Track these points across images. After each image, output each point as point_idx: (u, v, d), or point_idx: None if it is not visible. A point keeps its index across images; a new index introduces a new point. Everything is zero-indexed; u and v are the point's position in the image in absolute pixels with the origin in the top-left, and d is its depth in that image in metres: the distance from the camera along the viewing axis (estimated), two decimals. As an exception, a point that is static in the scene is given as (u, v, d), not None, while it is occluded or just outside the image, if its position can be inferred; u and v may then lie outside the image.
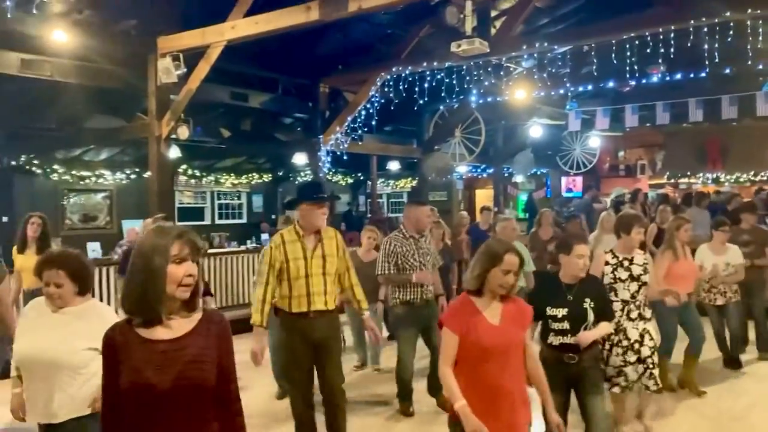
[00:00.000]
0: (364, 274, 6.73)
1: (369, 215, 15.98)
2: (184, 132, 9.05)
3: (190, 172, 15.20)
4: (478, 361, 2.99)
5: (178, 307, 2.11)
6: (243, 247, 12.01)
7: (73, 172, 13.37)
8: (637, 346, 4.53)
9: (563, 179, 19.29)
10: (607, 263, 4.63)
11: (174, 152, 10.05)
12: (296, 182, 17.16)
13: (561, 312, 3.84)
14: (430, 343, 5.55)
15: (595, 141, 17.00)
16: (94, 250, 12.40)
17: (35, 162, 12.70)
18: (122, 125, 10.98)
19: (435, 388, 5.63)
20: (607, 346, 4.53)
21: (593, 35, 8.88)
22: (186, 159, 13.73)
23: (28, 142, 12.11)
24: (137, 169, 13.84)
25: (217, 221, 16.68)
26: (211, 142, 13.14)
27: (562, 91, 11.75)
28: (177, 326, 2.11)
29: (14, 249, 6.55)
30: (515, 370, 3.07)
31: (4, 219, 12.30)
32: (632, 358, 4.51)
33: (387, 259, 5.53)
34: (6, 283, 4.63)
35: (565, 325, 3.83)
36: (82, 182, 13.63)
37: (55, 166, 13.02)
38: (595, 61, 9.57)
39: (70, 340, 3.01)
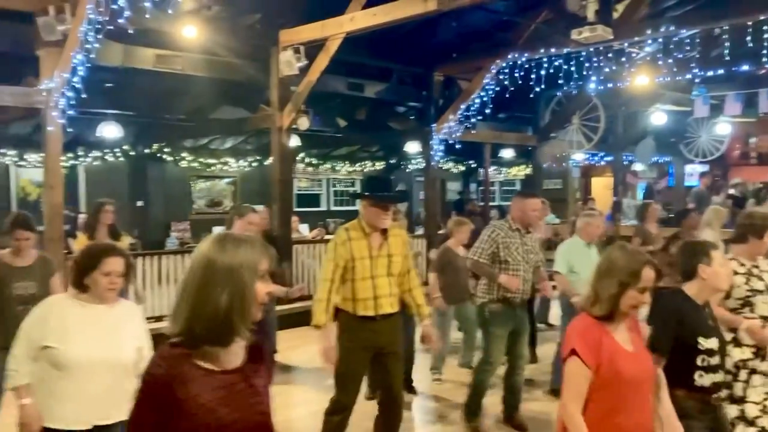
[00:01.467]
0: (457, 268, 6.52)
1: (480, 204, 15.85)
2: (304, 123, 9.35)
3: (307, 160, 15.71)
4: (614, 395, 2.55)
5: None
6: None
7: (200, 160, 14.17)
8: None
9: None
10: (735, 272, 3.83)
11: (294, 141, 10.42)
12: (405, 170, 17.35)
13: (713, 343, 3.11)
14: (517, 350, 5.18)
15: (724, 127, 15.97)
16: (219, 234, 13.12)
17: (166, 150, 13.55)
18: (246, 116, 11.50)
19: (513, 406, 5.27)
20: (743, 376, 3.76)
21: (726, 17, 8.32)
22: (304, 147, 14.20)
23: (159, 131, 12.95)
24: (259, 157, 14.47)
25: (333, 207, 17.15)
26: (327, 131, 13.51)
27: (688, 76, 11.12)
28: (235, 353, 1.85)
29: (80, 235, 6.55)
30: (650, 403, 2.69)
31: (139, 203, 13.25)
32: None
33: (484, 246, 5.09)
34: (57, 278, 4.53)
35: (717, 359, 3.11)
36: (208, 169, 14.42)
37: (184, 154, 13.85)
38: (727, 43, 9.00)
39: (125, 338, 2.96)
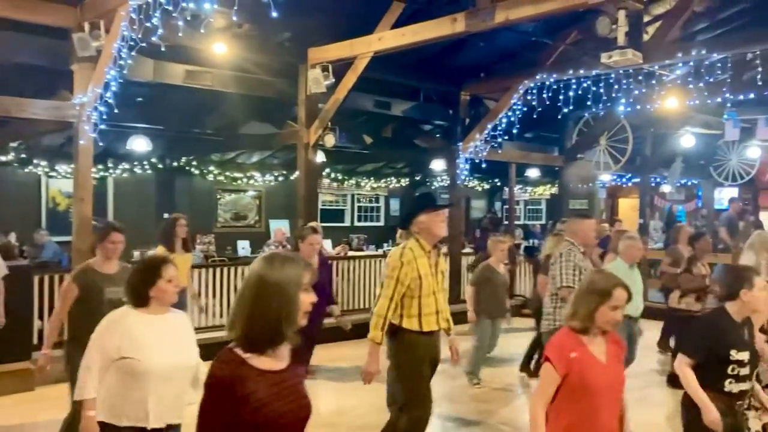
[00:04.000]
0: (496, 284, 6.84)
1: (506, 222, 15.78)
2: (330, 140, 9.41)
3: (333, 175, 15.77)
4: (583, 401, 2.85)
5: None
6: (380, 251, 12.29)
7: (227, 173, 14.30)
8: None
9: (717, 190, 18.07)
10: None
11: (320, 157, 10.47)
12: (431, 187, 17.32)
13: (745, 356, 3.50)
14: None
15: (754, 151, 15.75)
16: (243, 248, 13.22)
17: (193, 164, 13.70)
18: (274, 132, 11.60)
19: None
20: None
21: (758, 41, 8.23)
22: (330, 163, 14.27)
23: (188, 145, 13.10)
24: (285, 172, 14.57)
25: (356, 223, 17.16)
26: (353, 147, 13.56)
27: (719, 99, 10.99)
28: (282, 355, 2.16)
29: (160, 248, 6.81)
30: (616, 409, 2.98)
31: (166, 215, 13.38)
32: None
33: (573, 272, 5.09)
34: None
35: (747, 370, 3.52)
36: (234, 183, 14.55)
37: (211, 168, 14.00)
38: (759, 68, 8.89)
39: (189, 344, 3.25)
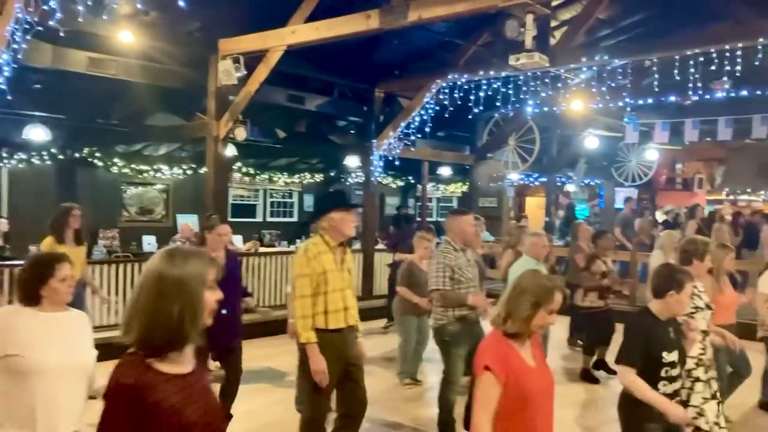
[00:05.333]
0: (420, 282, 6.84)
1: (418, 219, 15.97)
2: (241, 133, 9.22)
3: (244, 169, 15.47)
4: (520, 409, 2.70)
5: None
6: (293, 247, 12.18)
7: (132, 166, 13.75)
8: (712, 381, 4.32)
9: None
10: None
11: (230, 151, 10.27)
12: (345, 183, 17.30)
13: (675, 356, 3.47)
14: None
15: (652, 153, 16.63)
16: (149, 243, 12.78)
17: (97, 155, 13.11)
18: (182, 124, 11.27)
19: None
20: (688, 384, 4.10)
21: (656, 50, 8.67)
22: (241, 157, 13.98)
23: (91, 136, 12.52)
24: (194, 165, 14.15)
25: (269, 219, 16.92)
26: (266, 141, 13.36)
27: (620, 103, 11.53)
28: (187, 357, 2.02)
29: (48, 239, 6.40)
30: (551, 414, 2.84)
31: (65, 208, 12.75)
32: (707, 393, 4.25)
33: (443, 273, 5.18)
34: None
35: (678, 369, 3.48)
36: (140, 176, 14.00)
37: (116, 160, 13.42)
38: (656, 75, 9.36)
39: (85, 344, 3.02)
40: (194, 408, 1.95)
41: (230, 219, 12.75)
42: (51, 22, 6.18)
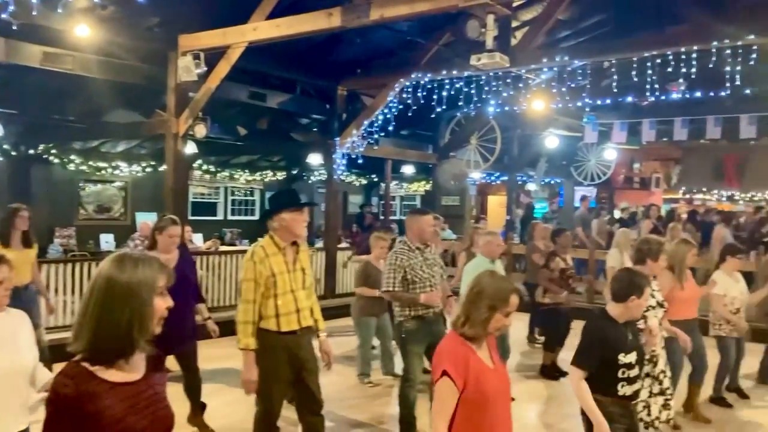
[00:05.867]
0: (376, 281, 6.84)
1: (382, 217, 15.99)
2: (201, 130, 9.11)
3: (205, 167, 15.29)
4: (480, 411, 2.69)
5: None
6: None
7: (90, 163, 13.50)
8: (661, 376, 4.42)
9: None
10: None
11: (190, 148, 10.11)
12: (308, 181, 17.21)
13: (633, 357, 3.51)
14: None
15: (610, 153, 16.93)
16: (107, 241, 12.55)
17: (53, 151, 12.82)
18: (141, 120, 11.07)
19: None
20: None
21: (614, 51, 8.82)
22: (202, 154, 13.82)
23: (46, 132, 12.24)
24: (153, 162, 13.95)
25: (230, 217, 16.76)
26: (227, 138, 13.22)
27: (579, 104, 11.70)
28: (136, 365, 1.98)
29: None
30: (509, 415, 2.85)
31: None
32: (656, 389, 4.37)
33: (393, 274, 5.24)
34: None
35: (636, 370, 3.53)
36: (98, 173, 13.76)
37: (72, 156, 13.15)
38: (614, 76, 9.52)
39: (23, 345, 2.91)
40: (139, 417, 1.91)
41: (190, 217, 12.60)
42: (3, 15, 6.02)
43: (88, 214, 13.83)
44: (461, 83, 10.39)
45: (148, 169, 14.17)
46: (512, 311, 2.79)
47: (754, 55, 8.22)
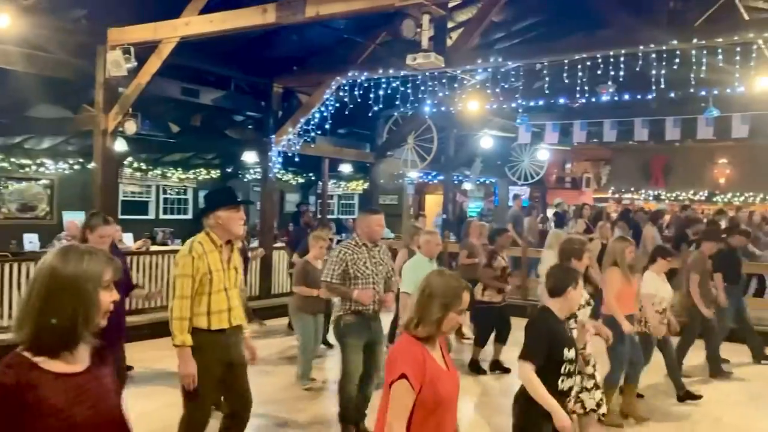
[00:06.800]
0: (315, 280, 6.76)
1: (319, 216, 15.90)
2: (131, 127, 8.84)
3: (136, 164, 14.87)
4: (434, 413, 2.68)
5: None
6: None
7: (12, 160, 12.94)
8: (592, 370, 4.54)
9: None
10: None
11: (120, 145, 9.81)
12: (243, 179, 16.97)
13: (573, 353, 3.59)
14: (370, 361, 5.39)
15: (543, 153, 17.34)
16: (31, 241, 12.02)
17: (-29, 148, 12.25)
18: (67, 116, 10.66)
19: (362, 414, 5.49)
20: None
21: (546, 54, 9.02)
22: (132, 151, 13.43)
23: (-35, 127, 11.67)
24: (81, 160, 13.48)
25: (162, 216, 16.36)
26: (159, 136, 12.87)
27: (513, 105, 11.92)
28: (81, 357, 1.98)
29: None
30: (455, 417, 2.85)
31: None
32: (589, 383, 4.46)
33: (334, 267, 5.32)
34: None
35: (573, 366, 3.60)
36: (21, 170, 13.20)
37: (-7, 153, 12.59)
38: (546, 78, 9.74)
39: None
40: (82, 408, 1.90)
41: (121, 216, 12.23)
42: None
43: (11, 213, 13.26)
44: (398, 83, 10.42)
45: (76, 167, 13.68)
46: (465, 309, 2.78)
47: (677, 60, 8.55)
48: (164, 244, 13.13)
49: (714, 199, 17.87)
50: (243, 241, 7.16)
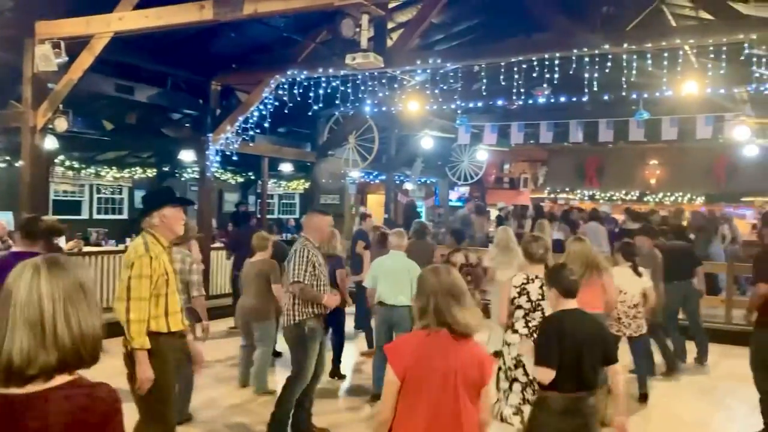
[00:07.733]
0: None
1: (259, 216, 15.72)
2: (62, 124, 8.54)
3: (68, 163, 14.40)
4: (418, 401, 2.73)
5: None
6: (122, 246, 11.50)
7: (-68, 158, 12.36)
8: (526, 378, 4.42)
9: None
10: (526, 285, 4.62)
11: (50, 143, 9.47)
12: (180, 179, 16.65)
13: None
14: (319, 360, 5.37)
15: (482, 154, 17.60)
16: (-46, 243, 11.48)
17: None
18: (-7, 112, 10.24)
19: (310, 412, 5.47)
20: (505, 385, 4.41)
21: (483, 56, 9.16)
22: (64, 149, 13.00)
23: None
24: (8, 158, 12.97)
25: (96, 216, 15.89)
26: (92, 133, 12.50)
27: (453, 106, 12.06)
28: None
29: None
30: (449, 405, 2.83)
31: None
32: (529, 394, 4.33)
33: (305, 266, 5.11)
34: None
35: None
36: (-58, 169, 12.62)
37: None
38: (484, 79, 9.88)
39: None
40: None
41: (52, 216, 11.80)
42: None
43: (-68, 214, 12.62)
44: (338, 82, 10.39)
45: (2, 165, 13.16)
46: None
47: (609, 63, 8.80)
48: (98, 244, 12.74)
49: (645, 199, 18.49)
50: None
